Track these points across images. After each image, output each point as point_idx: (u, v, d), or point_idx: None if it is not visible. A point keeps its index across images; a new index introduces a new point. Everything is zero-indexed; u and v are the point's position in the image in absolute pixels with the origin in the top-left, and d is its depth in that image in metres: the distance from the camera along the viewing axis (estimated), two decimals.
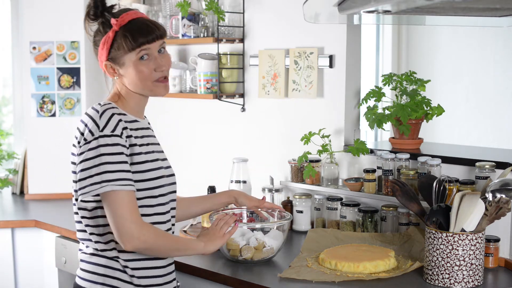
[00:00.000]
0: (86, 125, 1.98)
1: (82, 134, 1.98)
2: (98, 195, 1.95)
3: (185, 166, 3.50)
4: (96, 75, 3.89)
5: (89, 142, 1.95)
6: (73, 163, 2.02)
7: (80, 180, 1.95)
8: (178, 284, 2.43)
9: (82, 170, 1.94)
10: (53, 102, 3.74)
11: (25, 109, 3.77)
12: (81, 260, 2.07)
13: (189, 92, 3.36)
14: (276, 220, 2.52)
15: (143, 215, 2.01)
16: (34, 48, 3.72)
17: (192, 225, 2.80)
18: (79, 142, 1.98)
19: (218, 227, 2.15)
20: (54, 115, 3.74)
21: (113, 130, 1.96)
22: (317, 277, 2.20)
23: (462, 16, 2.64)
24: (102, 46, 2.04)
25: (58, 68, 3.74)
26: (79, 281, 2.06)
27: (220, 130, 3.39)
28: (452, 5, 2.26)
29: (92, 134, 1.95)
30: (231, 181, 2.93)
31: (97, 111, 1.98)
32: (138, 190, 2.01)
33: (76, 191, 1.98)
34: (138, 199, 2.00)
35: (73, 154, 2.03)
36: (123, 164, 1.95)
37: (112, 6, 2.06)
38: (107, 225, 1.99)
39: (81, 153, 1.95)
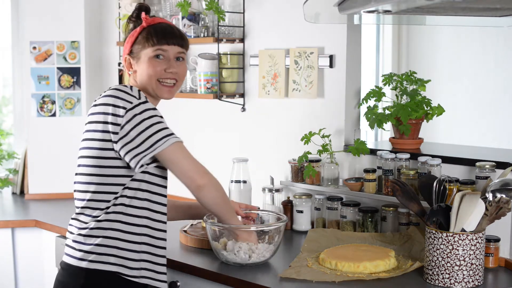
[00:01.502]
0: (117, 97, 2.05)
1: (114, 106, 2.03)
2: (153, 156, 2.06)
3: None
4: (96, 75, 3.90)
5: (132, 108, 2.03)
6: (91, 139, 2.08)
7: (137, 146, 2.02)
8: (178, 284, 2.44)
9: (138, 135, 2.02)
10: (53, 102, 3.74)
11: (25, 109, 3.77)
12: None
13: (189, 92, 3.36)
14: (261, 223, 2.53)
15: (158, 203, 2.14)
16: (34, 48, 3.72)
17: (192, 225, 2.81)
18: (114, 115, 2.03)
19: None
20: (54, 115, 3.75)
21: (147, 101, 2.09)
22: (317, 277, 2.20)
23: (462, 16, 2.64)
24: (128, 40, 2.18)
25: (58, 68, 3.74)
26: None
27: (220, 130, 3.39)
28: (452, 5, 2.26)
29: (131, 102, 2.04)
30: (231, 181, 2.93)
31: (126, 86, 2.09)
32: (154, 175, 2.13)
33: (130, 160, 2.05)
34: (154, 184, 2.13)
35: (93, 130, 2.08)
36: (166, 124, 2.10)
37: (154, 16, 2.23)
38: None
39: (128, 121, 2.02)
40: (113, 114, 2.03)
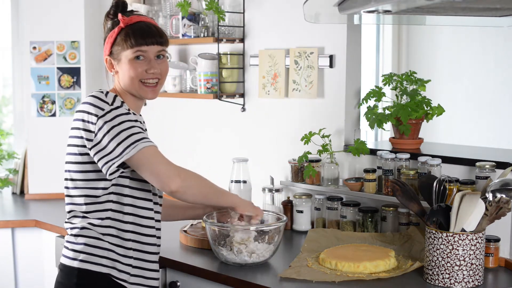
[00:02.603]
0: (91, 104, 2.04)
1: (88, 113, 2.03)
2: (123, 163, 2.04)
3: (185, 166, 3.48)
4: (96, 75, 3.90)
5: (103, 116, 2.02)
6: (72, 145, 2.10)
7: (108, 154, 2.01)
8: (178, 284, 2.44)
9: (108, 143, 2.01)
10: (53, 102, 3.74)
11: (25, 109, 3.77)
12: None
13: (189, 92, 3.36)
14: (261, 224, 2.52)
15: (140, 207, 2.13)
16: (34, 48, 3.72)
17: (192, 225, 2.80)
18: (88, 122, 2.03)
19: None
20: (54, 115, 3.75)
21: (121, 106, 2.07)
22: (317, 277, 2.20)
23: (462, 16, 2.64)
24: (107, 41, 2.15)
25: (58, 68, 3.74)
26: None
27: (220, 130, 3.39)
28: (452, 5, 2.26)
29: (103, 109, 2.03)
30: (231, 181, 2.93)
31: (101, 92, 2.08)
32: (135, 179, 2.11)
33: (102, 166, 2.04)
34: (134, 188, 2.11)
35: (74, 136, 2.09)
36: (140, 127, 2.06)
37: (132, 11, 2.17)
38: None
39: (100, 129, 2.01)
40: (87, 121, 2.04)
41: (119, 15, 2.12)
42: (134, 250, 2.11)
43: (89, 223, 2.09)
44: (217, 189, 2.24)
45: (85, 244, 2.08)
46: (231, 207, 2.28)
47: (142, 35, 2.10)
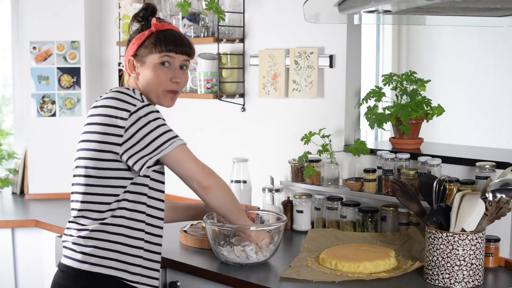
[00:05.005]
0: (120, 100, 2.04)
1: (117, 108, 2.03)
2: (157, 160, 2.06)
3: None
4: (96, 75, 3.90)
5: (136, 111, 2.03)
6: (90, 140, 2.07)
7: (142, 149, 2.02)
8: (178, 284, 2.44)
9: (143, 138, 2.02)
10: (53, 102, 3.74)
11: (25, 109, 3.77)
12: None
13: (189, 92, 3.36)
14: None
15: (154, 207, 2.14)
16: (34, 48, 3.72)
17: (192, 225, 2.81)
18: (116, 117, 2.02)
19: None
20: (54, 115, 3.75)
21: (150, 104, 2.10)
22: (317, 277, 2.20)
23: (462, 16, 2.64)
24: (134, 41, 2.16)
25: (58, 68, 3.74)
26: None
27: (220, 130, 3.39)
28: (452, 5, 2.26)
29: (135, 105, 2.04)
30: (231, 181, 2.93)
31: (128, 89, 2.09)
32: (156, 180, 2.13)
33: (133, 163, 2.04)
34: (154, 189, 2.13)
35: (92, 132, 2.06)
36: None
37: (159, 18, 2.20)
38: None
39: (133, 124, 2.02)
40: (115, 117, 2.02)
41: (154, 19, 2.15)
42: (144, 250, 2.11)
43: (102, 223, 2.06)
44: (240, 205, 2.28)
45: (95, 247, 2.05)
46: (244, 231, 2.29)
47: (174, 42, 2.14)
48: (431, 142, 3.24)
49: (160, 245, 2.17)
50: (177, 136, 2.09)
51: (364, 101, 2.87)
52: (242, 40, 3.23)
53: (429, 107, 2.77)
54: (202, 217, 2.43)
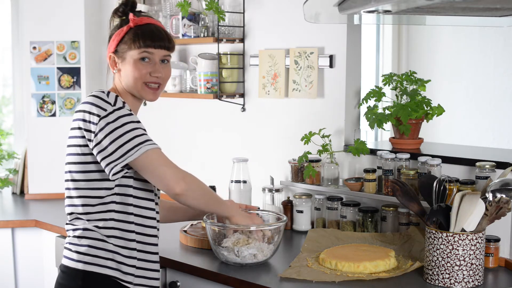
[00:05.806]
0: (93, 104, 2.03)
1: (90, 113, 2.03)
2: (126, 165, 2.03)
3: (185, 166, 3.47)
4: (96, 75, 3.90)
5: (105, 116, 2.02)
6: (73, 145, 2.10)
7: (109, 155, 2.01)
8: (178, 284, 2.44)
9: (109, 144, 2.00)
10: (53, 102, 3.74)
11: (25, 109, 3.77)
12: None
13: (189, 92, 3.36)
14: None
15: (143, 207, 2.13)
16: (34, 48, 3.72)
17: (192, 225, 2.80)
18: (89, 122, 2.02)
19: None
20: (54, 115, 3.75)
21: (123, 107, 2.06)
22: (317, 277, 2.20)
23: (462, 16, 2.64)
24: (114, 38, 2.15)
25: (58, 68, 3.74)
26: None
27: (220, 130, 3.39)
28: (452, 5, 2.26)
29: (105, 110, 2.02)
30: (231, 181, 2.93)
31: (102, 92, 2.07)
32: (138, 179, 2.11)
33: (105, 166, 2.04)
34: (138, 189, 2.11)
35: (74, 136, 2.09)
36: (143, 129, 2.05)
37: (140, 11, 2.17)
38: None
39: (101, 129, 2.01)
40: (89, 121, 2.03)
41: (131, 15, 2.12)
42: (138, 251, 2.11)
43: (93, 225, 2.08)
44: (217, 198, 2.27)
45: (89, 246, 2.06)
46: (227, 216, 2.29)
47: (152, 37, 2.11)
48: (431, 142, 3.23)
49: (156, 245, 2.17)
50: (148, 140, 2.04)
51: (364, 101, 2.87)
52: (242, 40, 3.23)
53: (429, 107, 2.77)
54: (202, 217, 2.43)
